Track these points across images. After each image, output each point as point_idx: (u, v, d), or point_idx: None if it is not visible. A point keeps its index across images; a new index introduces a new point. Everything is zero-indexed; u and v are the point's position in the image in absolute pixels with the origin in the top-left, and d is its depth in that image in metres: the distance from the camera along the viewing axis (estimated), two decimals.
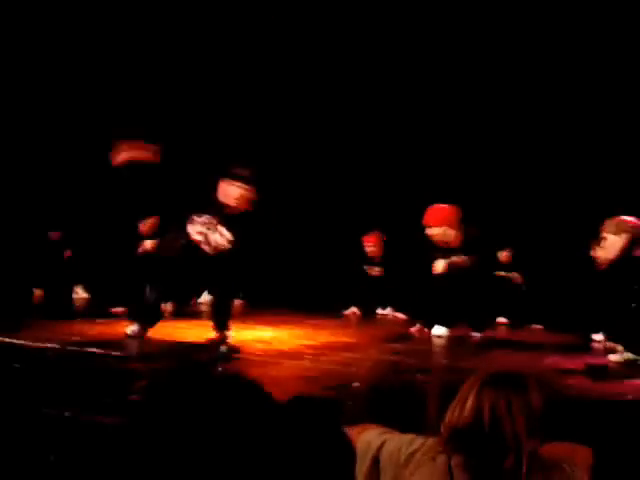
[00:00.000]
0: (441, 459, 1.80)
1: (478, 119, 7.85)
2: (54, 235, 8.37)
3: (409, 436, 1.95)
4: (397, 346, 5.40)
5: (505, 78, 7.63)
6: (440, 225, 5.85)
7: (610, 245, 4.79)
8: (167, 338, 5.20)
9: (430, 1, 7.75)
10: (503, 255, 7.49)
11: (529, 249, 7.26)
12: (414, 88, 8.02)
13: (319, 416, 1.26)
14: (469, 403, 1.82)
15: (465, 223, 5.94)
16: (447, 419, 1.85)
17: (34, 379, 3.52)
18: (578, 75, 7.29)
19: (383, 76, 8.16)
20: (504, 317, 7.20)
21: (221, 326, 5.12)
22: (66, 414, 2.69)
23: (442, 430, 1.85)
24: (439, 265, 5.87)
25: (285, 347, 5.06)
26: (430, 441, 1.87)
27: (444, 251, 5.96)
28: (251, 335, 5.52)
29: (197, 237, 4.96)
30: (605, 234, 4.84)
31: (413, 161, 8.16)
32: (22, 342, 4.61)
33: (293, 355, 4.73)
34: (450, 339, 5.94)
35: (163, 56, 8.32)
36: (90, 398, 3.02)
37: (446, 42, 7.73)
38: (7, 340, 4.60)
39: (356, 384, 3.78)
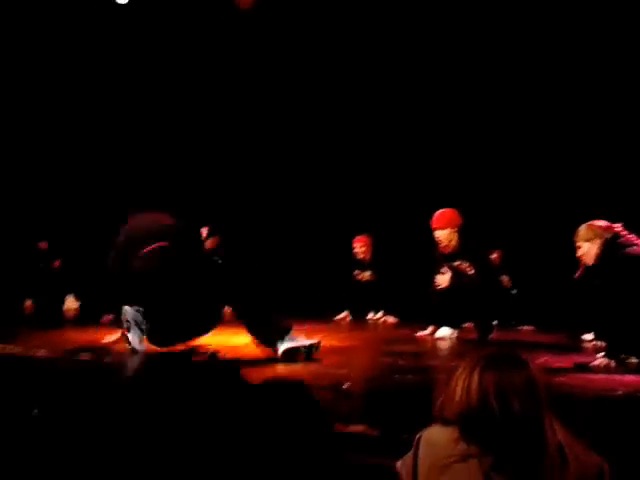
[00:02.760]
0: (473, 464, 1.76)
1: (467, 122, 7.88)
2: (42, 245, 8.36)
3: (449, 431, 1.84)
4: (389, 348, 5.40)
5: (490, 82, 7.67)
6: (445, 227, 5.92)
7: (586, 253, 4.84)
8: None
9: (426, 2, 7.77)
10: (494, 257, 7.52)
11: (518, 250, 7.28)
12: (405, 91, 8.04)
13: (291, 397, 1.25)
14: (473, 387, 1.79)
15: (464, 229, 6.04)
16: (454, 405, 1.82)
17: (25, 387, 3.52)
18: (567, 81, 7.35)
19: (377, 79, 8.17)
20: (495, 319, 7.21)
21: (269, 342, 4.85)
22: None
23: (450, 417, 1.83)
24: (444, 279, 5.94)
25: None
26: (462, 445, 1.79)
27: (447, 258, 6.02)
28: (242, 340, 5.50)
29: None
30: (579, 242, 4.89)
31: (402, 164, 8.17)
32: (13, 351, 4.60)
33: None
34: (452, 341, 5.98)
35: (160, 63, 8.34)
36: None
37: (444, 44, 7.73)
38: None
39: (348, 385, 3.79)
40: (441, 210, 6.07)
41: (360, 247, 7.88)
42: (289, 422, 1.15)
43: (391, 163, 8.24)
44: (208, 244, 7.48)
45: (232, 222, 7.84)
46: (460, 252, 5.98)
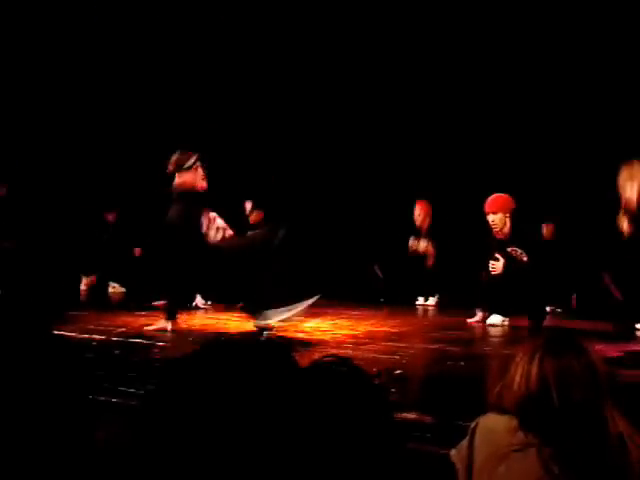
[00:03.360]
0: (532, 453, 1.71)
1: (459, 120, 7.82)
2: (109, 216, 8.48)
3: (507, 420, 1.79)
4: (440, 335, 5.37)
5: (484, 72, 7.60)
6: (498, 212, 5.87)
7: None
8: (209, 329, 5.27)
9: None
10: (546, 231, 7.31)
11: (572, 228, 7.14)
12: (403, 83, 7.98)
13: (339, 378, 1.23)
14: (533, 375, 1.74)
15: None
16: (514, 393, 1.77)
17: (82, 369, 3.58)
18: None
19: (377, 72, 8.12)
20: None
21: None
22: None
23: (508, 406, 1.78)
24: (498, 266, 5.87)
25: (326, 337, 5.07)
26: (520, 434, 1.74)
27: (500, 243, 5.94)
28: (291, 326, 5.53)
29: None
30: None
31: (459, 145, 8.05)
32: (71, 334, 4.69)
33: (335, 344, 4.74)
34: (504, 328, 5.91)
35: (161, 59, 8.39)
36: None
37: (440, 38, 7.67)
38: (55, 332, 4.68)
39: (399, 371, 3.77)
40: (494, 195, 6.00)
41: (419, 213, 7.68)
42: (348, 407, 1.13)
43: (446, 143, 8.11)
44: (252, 218, 7.54)
45: (276, 195, 7.89)
46: (513, 238, 5.89)
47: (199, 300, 6.89)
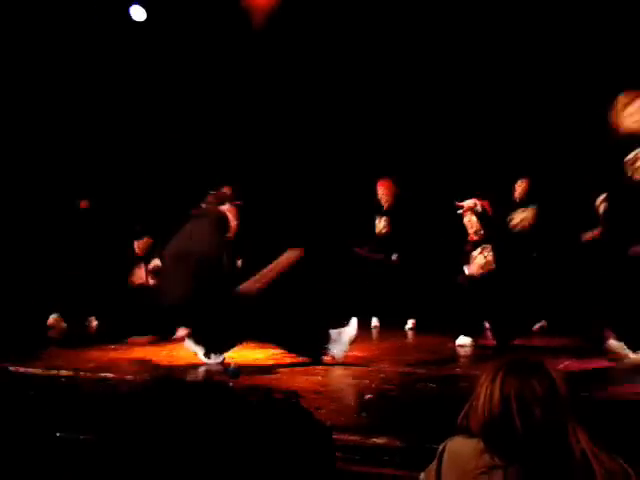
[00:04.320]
0: (498, 475, 1.73)
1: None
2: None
3: (474, 443, 1.82)
4: (408, 358, 5.38)
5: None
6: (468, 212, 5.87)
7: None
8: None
9: None
10: (520, 188, 7.03)
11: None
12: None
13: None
14: (495, 396, 1.77)
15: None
16: (478, 415, 1.80)
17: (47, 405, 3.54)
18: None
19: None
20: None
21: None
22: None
23: (474, 428, 1.81)
24: (477, 263, 5.79)
25: (297, 363, 5.06)
26: (486, 456, 1.77)
27: (474, 245, 5.92)
28: (262, 354, 5.51)
29: None
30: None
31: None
32: (36, 370, 4.63)
33: (305, 371, 4.73)
34: (472, 349, 5.92)
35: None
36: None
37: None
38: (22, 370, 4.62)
39: (369, 396, 3.78)
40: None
41: (383, 191, 7.55)
42: (280, 435, 1.16)
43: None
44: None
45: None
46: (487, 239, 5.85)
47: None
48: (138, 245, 7.18)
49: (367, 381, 4.29)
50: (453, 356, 5.72)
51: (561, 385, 1.81)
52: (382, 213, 7.56)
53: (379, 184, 7.58)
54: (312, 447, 1.21)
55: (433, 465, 1.88)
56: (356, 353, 5.48)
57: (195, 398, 1.16)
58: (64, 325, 7.33)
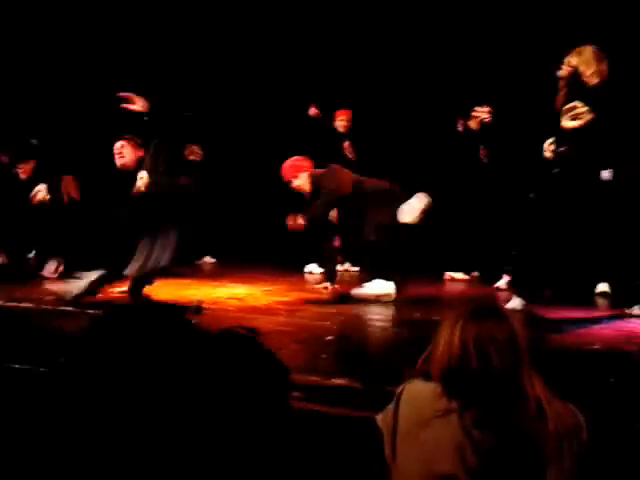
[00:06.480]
0: (453, 419, 1.76)
1: None
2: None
3: (432, 387, 1.83)
4: (371, 301, 5.41)
5: None
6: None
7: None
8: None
9: None
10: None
11: None
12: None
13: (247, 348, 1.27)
14: (455, 341, 1.79)
15: None
16: (437, 360, 1.82)
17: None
18: None
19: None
20: None
21: None
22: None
23: (433, 373, 1.83)
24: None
25: (259, 303, 5.07)
26: (443, 400, 1.79)
27: None
28: (224, 292, 5.51)
29: None
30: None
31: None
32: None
33: (267, 311, 4.75)
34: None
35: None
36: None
37: None
38: None
39: (329, 337, 3.81)
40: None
41: (343, 119, 7.48)
42: (240, 373, 1.16)
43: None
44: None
45: None
46: None
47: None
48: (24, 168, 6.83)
49: (328, 323, 4.32)
50: (414, 301, 5.78)
51: (520, 332, 1.84)
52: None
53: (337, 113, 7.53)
54: (269, 384, 1.21)
55: (390, 407, 1.90)
56: (319, 295, 5.51)
57: (156, 330, 1.14)
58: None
